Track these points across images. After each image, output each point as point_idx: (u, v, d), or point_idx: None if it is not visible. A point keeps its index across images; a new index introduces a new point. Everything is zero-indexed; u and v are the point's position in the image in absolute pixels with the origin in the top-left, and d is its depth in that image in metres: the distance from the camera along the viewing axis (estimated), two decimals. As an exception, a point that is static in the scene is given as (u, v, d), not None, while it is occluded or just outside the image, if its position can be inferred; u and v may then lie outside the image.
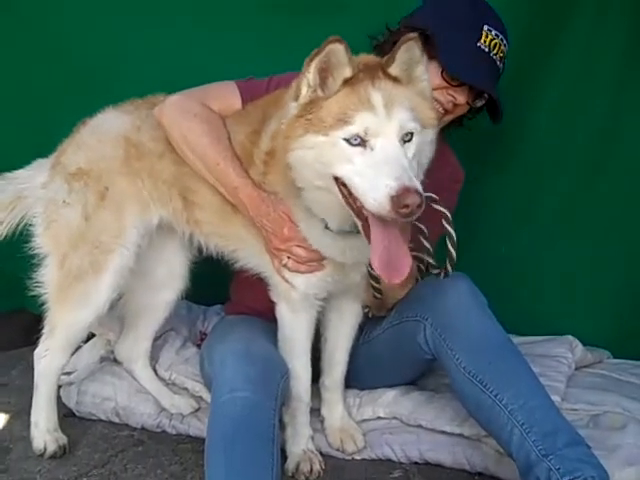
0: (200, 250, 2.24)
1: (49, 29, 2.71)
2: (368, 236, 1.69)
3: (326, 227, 1.86)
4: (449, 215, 1.89)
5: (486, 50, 2.11)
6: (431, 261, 2.01)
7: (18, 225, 2.22)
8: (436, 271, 2.01)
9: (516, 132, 2.64)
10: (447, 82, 2.12)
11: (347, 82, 1.69)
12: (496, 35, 2.12)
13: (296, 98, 1.74)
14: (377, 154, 1.63)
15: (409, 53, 1.71)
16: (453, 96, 2.14)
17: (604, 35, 2.54)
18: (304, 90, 1.72)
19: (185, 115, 2.02)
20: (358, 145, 1.64)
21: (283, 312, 2.06)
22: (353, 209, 1.70)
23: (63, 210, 2.10)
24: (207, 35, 2.65)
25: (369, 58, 1.82)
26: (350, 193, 1.67)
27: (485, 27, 2.11)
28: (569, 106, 2.62)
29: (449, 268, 1.95)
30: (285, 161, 1.77)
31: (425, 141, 1.73)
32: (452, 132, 2.31)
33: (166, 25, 2.66)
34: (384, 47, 2.15)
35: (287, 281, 1.98)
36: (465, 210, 2.29)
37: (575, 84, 2.60)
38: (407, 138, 1.66)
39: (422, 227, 1.94)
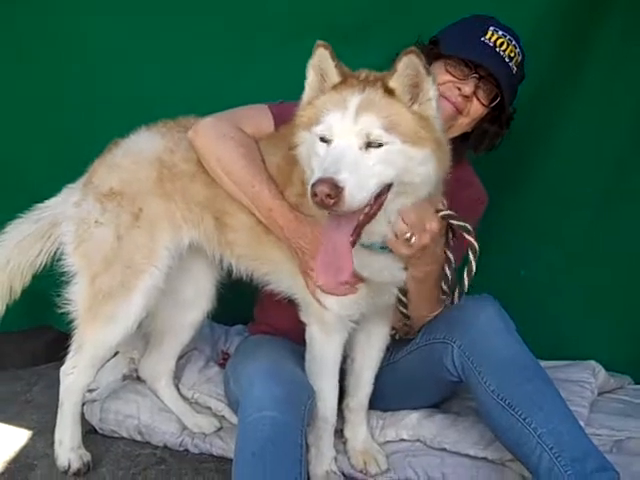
0: (229, 273, 2.25)
1: (73, 50, 2.75)
2: None
3: (362, 245, 1.85)
4: (469, 227, 1.91)
5: (491, 45, 2.13)
6: (444, 287, 2.01)
7: (56, 252, 2.24)
8: (444, 297, 2.02)
9: (537, 155, 2.67)
10: (451, 74, 2.14)
11: (338, 86, 1.77)
12: (503, 35, 2.14)
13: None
14: (329, 150, 1.69)
15: (411, 67, 1.72)
16: (459, 88, 2.14)
17: (629, 57, 2.56)
18: (306, 89, 1.83)
19: (220, 138, 2.05)
20: (326, 142, 1.71)
21: (314, 333, 2.07)
22: None
23: (96, 230, 2.12)
24: (235, 59, 2.69)
25: (386, 73, 1.84)
26: None
27: (491, 28, 2.15)
28: (592, 128, 2.63)
29: (456, 298, 1.98)
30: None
31: (410, 157, 1.71)
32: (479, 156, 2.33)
33: (191, 47, 2.69)
34: None
35: (321, 303, 2.00)
36: (484, 232, 2.29)
37: (599, 106, 2.61)
38: (374, 145, 1.68)
39: (449, 256, 1.97)
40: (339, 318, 2.03)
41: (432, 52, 2.16)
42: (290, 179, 2.00)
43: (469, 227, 1.92)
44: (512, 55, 2.15)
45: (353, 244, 1.72)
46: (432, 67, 2.12)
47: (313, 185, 1.60)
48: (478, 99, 2.16)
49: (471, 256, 1.93)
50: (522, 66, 2.21)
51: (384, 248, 1.89)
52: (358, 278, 1.91)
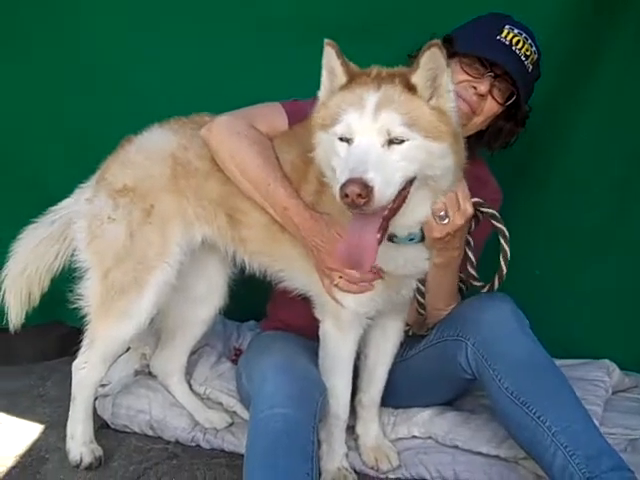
0: (242, 270, 2.25)
1: (82, 48, 2.76)
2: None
3: (389, 240, 1.86)
4: (497, 214, 1.95)
5: (507, 43, 2.11)
6: (474, 273, 2.03)
7: (73, 254, 2.24)
8: (479, 283, 2.03)
9: (552, 154, 2.65)
10: (467, 73, 2.13)
11: (350, 85, 1.77)
12: (519, 33, 2.13)
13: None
14: (351, 149, 1.70)
15: (433, 60, 1.73)
16: (475, 87, 2.13)
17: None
18: (321, 89, 1.84)
19: (234, 136, 2.05)
20: (346, 142, 1.72)
21: (329, 330, 2.07)
22: None
23: (108, 226, 2.13)
24: (243, 59, 2.68)
25: (400, 69, 1.85)
26: None
27: (507, 26, 2.13)
28: (607, 127, 2.61)
29: (496, 283, 1.98)
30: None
31: (431, 152, 1.73)
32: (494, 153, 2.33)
33: (200, 44, 2.70)
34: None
35: (337, 301, 1.99)
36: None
37: (614, 105, 2.59)
38: (396, 141, 1.69)
39: (469, 238, 1.98)
40: (355, 315, 2.03)
41: (447, 50, 2.14)
42: (305, 177, 2.01)
43: (497, 214, 1.95)
44: (528, 53, 2.13)
45: (380, 241, 1.74)
46: None
47: (343, 186, 1.60)
48: (493, 97, 2.15)
49: (503, 242, 1.95)
50: (538, 65, 2.20)
51: (411, 240, 1.91)
52: (376, 274, 1.92)
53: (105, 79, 2.74)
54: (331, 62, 1.81)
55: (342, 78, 1.80)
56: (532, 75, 2.18)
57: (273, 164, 2.03)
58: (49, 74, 2.77)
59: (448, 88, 1.77)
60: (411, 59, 2.20)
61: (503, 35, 2.12)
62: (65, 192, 2.31)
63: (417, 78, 1.74)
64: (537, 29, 2.20)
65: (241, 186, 2.06)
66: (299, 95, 2.20)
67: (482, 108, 2.16)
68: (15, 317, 2.30)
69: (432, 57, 1.73)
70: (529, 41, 2.14)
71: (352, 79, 1.79)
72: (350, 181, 1.60)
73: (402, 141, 1.69)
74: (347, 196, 1.59)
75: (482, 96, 2.13)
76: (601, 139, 2.63)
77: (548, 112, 2.50)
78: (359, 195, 1.58)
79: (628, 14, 2.52)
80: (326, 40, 1.79)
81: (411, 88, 1.75)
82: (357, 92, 1.74)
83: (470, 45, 2.12)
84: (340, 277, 1.95)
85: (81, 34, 2.74)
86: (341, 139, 1.73)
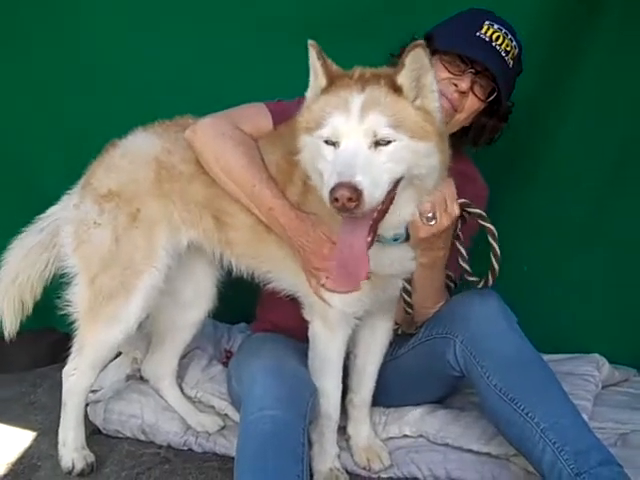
0: (230, 272, 2.25)
1: (82, 48, 2.76)
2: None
3: (377, 240, 1.85)
4: (484, 214, 1.96)
5: (487, 39, 2.11)
6: (467, 268, 2.03)
7: (63, 261, 2.22)
8: (473, 278, 2.03)
9: (537, 149, 2.66)
10: (448, 70, 2.12)
11: (333, 87, 1.77)
12: (499, 29, 2.13)
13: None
14: (338, 152, 1.70)
15: (417, 60, 1.73)
16: (456, 84, 2.12)
17: (628, 49, 2.54)
18: (308, 90, 1.84)
19: (219, 137, 2.04)
20: (332, 145, 1.72)
21: (318, 330, 2.07)
22: None
23: (94, 231, 2.13)
24: (237, 59, 2.69)
25: (384, 69, 1.86)
26: None
27: (486, 22, 2.13)
28: (591, 122, 2.62)
29: (490, 280, 1.98)
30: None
31: (417, 152, 1.73)
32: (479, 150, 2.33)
33: (200, 44, 2.71)
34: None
35: (324, 301, 1.99)
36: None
37: (599, 98, 2.60)
38: (382, 143, 1.69)
39: (459, 233, 1.99)
40: (343, 315, 2.03)
41: (427, 47, 2.15)
42: (290, 178, 2.00)
43: (484, 214, 1.96)
44: (508, 49, 2.13)
45: (370, 244, 1.74)
46: None
47: (332, 190, 1.60)
48: (475, 94, 2.15)
49: (492, 241, 1.96)
50: (519, 59, 2.20)
51: (396, 240, 1.91)
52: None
53: (105, 79, 2.75)
54: (314, 64, 1.80)
55: (322, 80, 1.80)
56: (513, 70, 2.18)
57: (258, 165, 2.03)
58: (49, 74, 2.77)
59: (432, 88, 1.78)
60: (394, 58, 2.21)
61: (483, 31, 2.12)
62: (62, 191, 2.30)
63: (403, 79, 1.75)
64: (519, 22, 2.20)
65: (226, 188, 2.06)
66: (293, 94, 2.18)
67: (464, 105, 2.16)
68: (10, 326, 2.30)
69: (416, 57, 1.73)
70: (509, 36, 2.14)
71: (333, 81, 1.79)
72: (339, 185, 1.60)
73: (388, 142, 1.69)
74: (337, 200, 1.59)
75: (463, 93, 2.13)
76: (587, 133, 2.64)
77: (533, 107, 2.51)
78: (349, 199, 1.58)
79: (611, 5, 2.52)
80: (309, 41, 1.79)
81: (397, 89, 1.75)
82: (341, 95, 1.74)
83: (450, 42, 2.12)
84: (327, 277, 1.94)
85: (81, 34, 2.75)
86: (327, 142, 1.73)
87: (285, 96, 2.23)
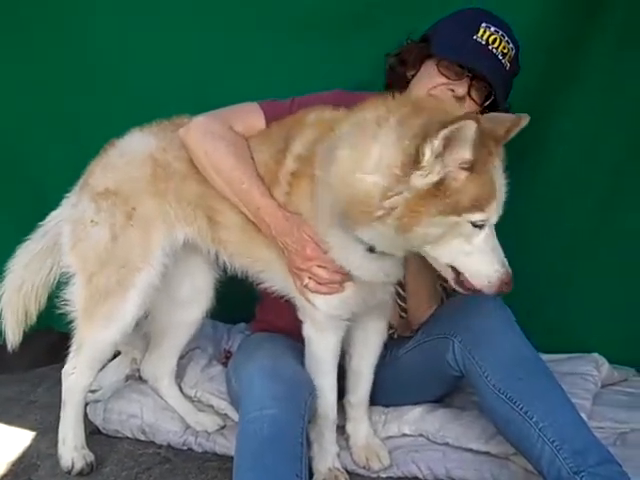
0: (225, 270, 2.25)
1: (82, 48, 2.76)
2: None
3: (370, 251, 1.83)
4: None
5: (483, 43, 2.10)
6: None
7: None
8: None
9: (537, 150, 2.63)
10: (444, 75, 2.11)
11: (483, 166, 1.66)
12: (495, 31, 2.11)
13: (414, 162, 1.61)
14: (490, 239, 1.72)
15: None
16: (453, 89, 2.10)
17: (628, 53, 2.53)
18: (427, 155, 1.59)
19: (210, 137, 2.05)
20: (478, 227, 1.70)
21: (309, 331, 2.06)
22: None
23: (91, 229, 2.13)
24: (236, 58, 2.68)
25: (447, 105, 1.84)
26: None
27: (483, 24, 2.11)
28: (588, 125, 2.60)
29: None
30: (402, 233, 1.68)
31: None
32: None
33: (200, 44, 2.70)
34: (395, 68, 2.23)
35: (309, 301, 1.99)
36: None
37: (599, 101, 2.58)
38: None
39: None
40: (330, 317, 2.02)
41: (424, 50, 2.15)
42: (277, 178, 1.99)
43: None
44: (505, 51, 2.12)
45: None
46: (424, 66, 2.16)
47: (507, 283, 1.71)
48: (472, 99, 2.14)
49: None
50: (517, 59, 2.18)
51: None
52: (343, 275, 1.91)
53: (105, 79, 2.75)
54: (467, 138, 1.59)
55: (467, 155, 1.62)
56: (510, 72, 2.17)
57: (248, 164, 2.03)
58: (49, 74, 2.77)
59: None
60: (390, 58, 2.21)
61: (479, 34, 2.10)
62: (64, 193, 2.31)
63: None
64: (519, 22, 2.19)
65: (217, 186, 2.06)
66: (299, 94, 2.20)
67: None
68: (12, 337, 2.29)
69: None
70: (506, 38, 2.12)
71: (477, 158, 1.66)
72: (507, 273, 1.71)
73: None
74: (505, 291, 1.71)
75: (460, 98, 2.11)
76: (582, 136, 2.62)
77: (528, 111, 2.49)
78: (506, 284, 1.70)
79: (612, 9, 2.49)
80: (469, 112, 1.75)
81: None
82: (492, 175, 1.69)
83: (446, 48, 2.10)
84: (309, 278, 1.94)
85: (81, 34, 2.74)
86: (473, 223, 1.69)
87: (285, 96, 2.22)
